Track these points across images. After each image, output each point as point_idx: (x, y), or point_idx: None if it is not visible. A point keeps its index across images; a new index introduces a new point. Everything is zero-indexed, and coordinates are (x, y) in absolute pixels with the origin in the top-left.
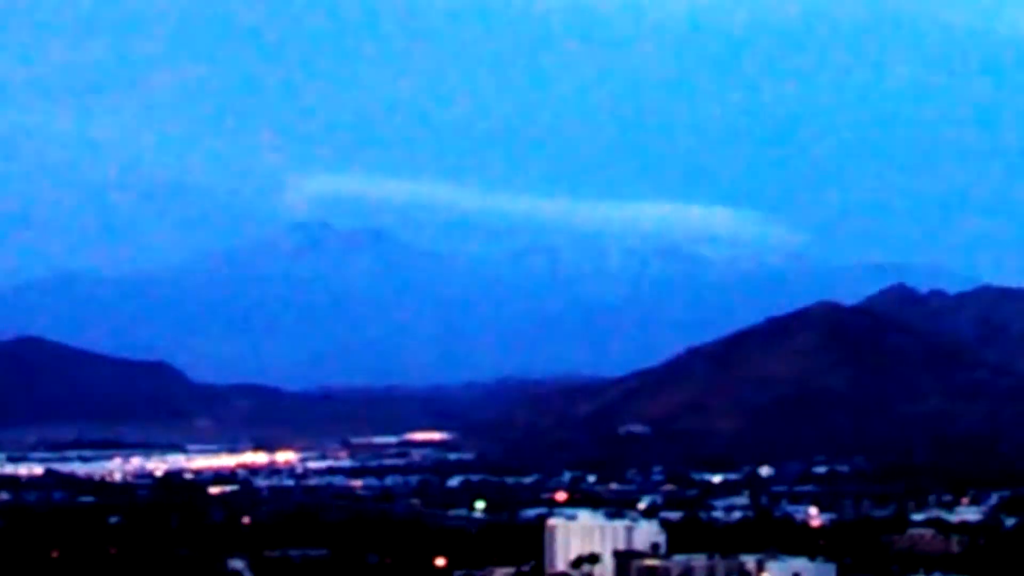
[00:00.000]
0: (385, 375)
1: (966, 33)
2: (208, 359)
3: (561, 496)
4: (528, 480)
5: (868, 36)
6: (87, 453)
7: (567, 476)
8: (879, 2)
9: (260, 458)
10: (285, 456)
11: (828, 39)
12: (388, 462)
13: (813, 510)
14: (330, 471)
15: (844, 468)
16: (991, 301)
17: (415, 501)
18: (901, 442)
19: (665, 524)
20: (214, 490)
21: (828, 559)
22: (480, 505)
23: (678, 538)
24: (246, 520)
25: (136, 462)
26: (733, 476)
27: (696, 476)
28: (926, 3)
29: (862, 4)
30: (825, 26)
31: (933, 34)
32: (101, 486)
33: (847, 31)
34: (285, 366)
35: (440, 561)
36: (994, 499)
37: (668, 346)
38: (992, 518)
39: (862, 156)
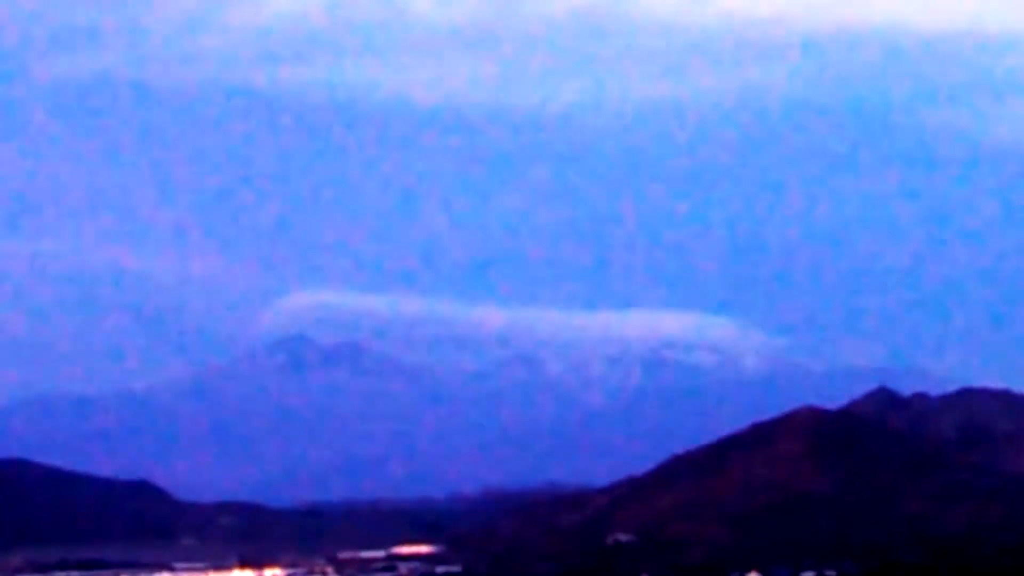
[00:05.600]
0: (370, 489)
1: (942, 134)
2: (192, 477)
3: None
4: None
5: (839, 137)
6: (73, 574)
7: None
8: (844, 100)
9: (247, 575)
10: (272, 573)
11: (800, 142)
12: None
13: None
14: None
15: (832, 572)
16: (974, 403)
17: None
18: (887, 545)
19: None
20: None
21: None
22: None
23: None
24: None
25: None
26: None
27: None
28: (903, 102)
29: (831, 100)
30: (799, 129)
31: (910, 134)
32: None
33: (818, 132)
34: (269, 482)
35: None
36: None
37: (653, 454)
38: None
39: (840, 258)
